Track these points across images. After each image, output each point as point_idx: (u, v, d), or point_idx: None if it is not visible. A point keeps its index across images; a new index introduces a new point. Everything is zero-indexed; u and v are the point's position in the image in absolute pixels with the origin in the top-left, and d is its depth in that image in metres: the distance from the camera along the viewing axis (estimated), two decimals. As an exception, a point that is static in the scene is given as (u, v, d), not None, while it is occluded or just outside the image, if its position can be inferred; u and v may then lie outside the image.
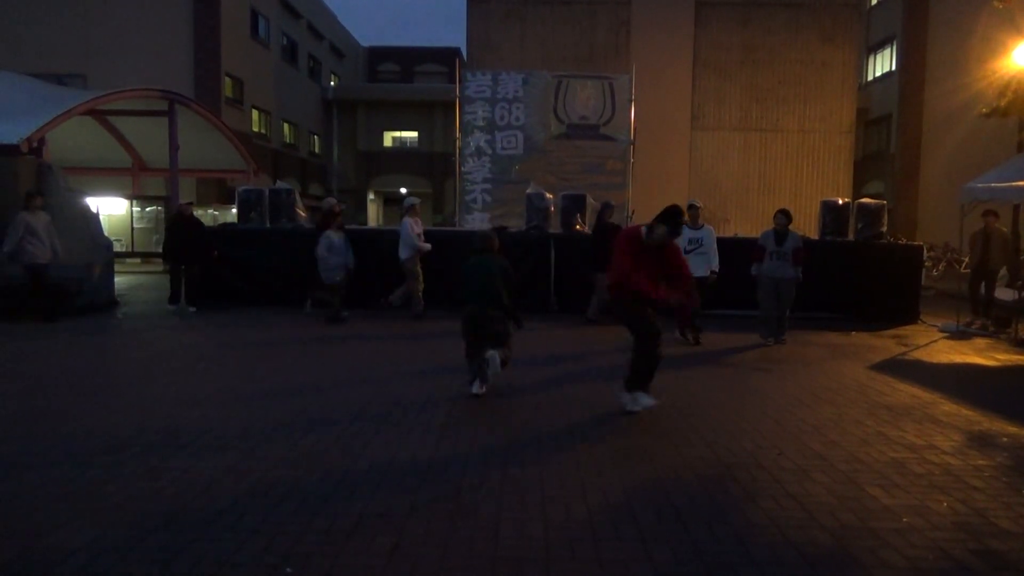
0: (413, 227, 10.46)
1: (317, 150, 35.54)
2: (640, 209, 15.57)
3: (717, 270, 9.13)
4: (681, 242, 9.02)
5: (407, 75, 43.57)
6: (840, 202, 12.19)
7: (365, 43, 44.50)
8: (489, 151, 16.51)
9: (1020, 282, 10.09)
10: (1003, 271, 11.51)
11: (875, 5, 28.49)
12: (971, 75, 19.87)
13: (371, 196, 36.94)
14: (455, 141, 16.98)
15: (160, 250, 13.75)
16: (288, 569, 3.05)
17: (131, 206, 21.47)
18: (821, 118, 21.59)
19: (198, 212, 14.99)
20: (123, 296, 12.88)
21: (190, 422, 5.18)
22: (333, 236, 10.42)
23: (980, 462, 4.61)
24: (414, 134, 37.07)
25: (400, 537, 3.37)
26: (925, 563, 3.21)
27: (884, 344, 9.42)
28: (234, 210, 13.40)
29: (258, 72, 27.66)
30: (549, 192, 12.76)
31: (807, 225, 15.92)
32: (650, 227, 5.54)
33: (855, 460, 4.59)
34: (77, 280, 10.88)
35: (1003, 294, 10.98)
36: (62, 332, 9.20)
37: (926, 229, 23.44)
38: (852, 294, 11.34)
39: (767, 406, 5.96)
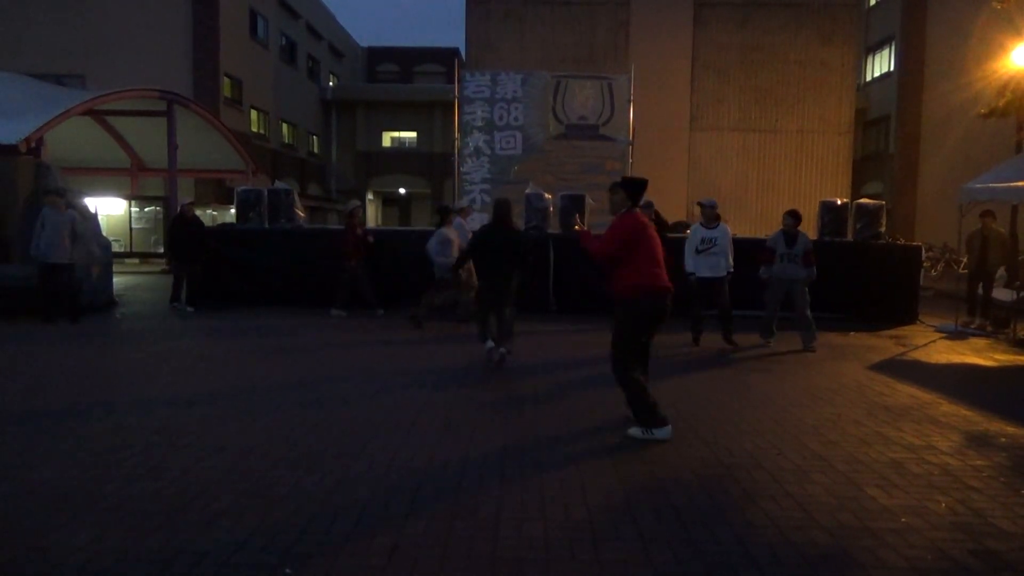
0: (448, 233, 9.95)
1: (316, 150, 35.53)
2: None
3: (731, 270, 8.84)
4: (693, 240, 8.93)
5: (406, 75, 43.57)
6: (839, 202, 12.19)
7: (364, 43, 44.54)
8: (488, 151, 16.51)
9: (1019, 283, 10.11)
10: (1001, 271, 11.52)
11: (874, 5, 28.52)
12: (970, 75, 19.89)
13: (370, 196, 36.93)
14: (454, 141, 16.97)
15: (159, 250, 13.78)
16: (287, 569, 3.05)
17: (130, 206, 21.47)
18: (820, 118, 21.61)
19: (198, 213, 15.00)
20: (122, 296, 12.87)
21: (190, 422, 5.18)
22: (448, 233, 9.92)
23: (979, 462, 4.62)
24: (413, 134, 37.07)
25: (399, 537, 3.37)
26: (924, 563, 3.22)
27: (883, 344, 9.44)
28: (233, 210, 13.40)
29: (257, 72, 27.65)
30: (548, 192, 12.77)
31: (806, 225, 15.83)
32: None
33: (854, 460, 4.59)
34: (76, 280, 10.86)
35: (1001, 294, 10.99)
36: (61, 332, 9.20)
37: (925, 229, 23.46)
38: (851, 294, 11.34)
39: (766, 406, 5.96)
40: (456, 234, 10.04)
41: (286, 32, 31.03)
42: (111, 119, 20.11)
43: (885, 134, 27.33)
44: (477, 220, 16.09)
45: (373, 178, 36.66)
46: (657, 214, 10.23)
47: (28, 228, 10.09)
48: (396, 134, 37.45)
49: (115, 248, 14.74)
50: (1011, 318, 10.26)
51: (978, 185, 10.72)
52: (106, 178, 21.91)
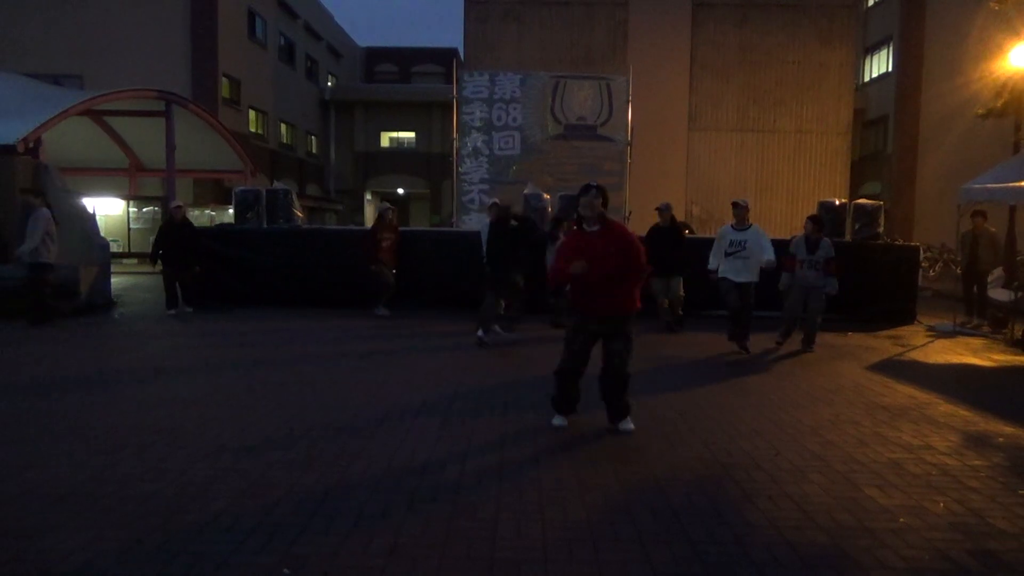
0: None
1: (314, 150, 35.50)
2: (637, 210, 15.58)
3: (773, 260, 8.23)
4: (722, 242, 8.53)
5: (404, 76, 43.54)
6: (837, 203, 12.19)
7: (363, 44, 44.49)
8: (486, 151, 16.50)
9: (1017, 283, 10.11)
10: (999, 271, 11.53)
11: (872, 6, 28.54)
12: (968, 76, 19.89)
13: (368, 196, 36.91)
14: (452, 142, 16.96)
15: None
16: (286, 570, 3.05)
17: (128, 207, 21.44)
18: (818, 119, 21.63)
19: (196, 213, 15.00)
20: (120, 297, 12.84)
21: (188, 422, 5.17)
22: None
23: (976, 462, 4.63)
24: (411, 135, 37.03)
25: (398, 537, 3.37)
26: (922, 563, 3.22)
27: (881, 345, 9.45)
28: (231, 211, 13.39)
29: (255, 72, 27.61)
30: (546, 193, 12.77)
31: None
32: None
33: (852, 460, 4.60)
34: (73, 281, 10.86)
35: (999, 295, 11.00)
36: (59, 333, 9.18)
37: (923, 230, 23.47)
38: (849, 295, 11.30)
39: (764, 406, 5.97)
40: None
41: (285, 32, 30.99)
42: (109, 119, 20.06)
43: (883, 134, 27.35)
44: (476, 220, 16.16)
45: (371, 178, 36.63)
46: (672, 218, 9.94)
47: (21, 229, 10.02)
48: (394, 134, 37.42)
49: (113, 248, 14.72)
50: (1009, 318, 10.27)
51: (976, 186, 10.73)
52: (104, 178, 21.88)
